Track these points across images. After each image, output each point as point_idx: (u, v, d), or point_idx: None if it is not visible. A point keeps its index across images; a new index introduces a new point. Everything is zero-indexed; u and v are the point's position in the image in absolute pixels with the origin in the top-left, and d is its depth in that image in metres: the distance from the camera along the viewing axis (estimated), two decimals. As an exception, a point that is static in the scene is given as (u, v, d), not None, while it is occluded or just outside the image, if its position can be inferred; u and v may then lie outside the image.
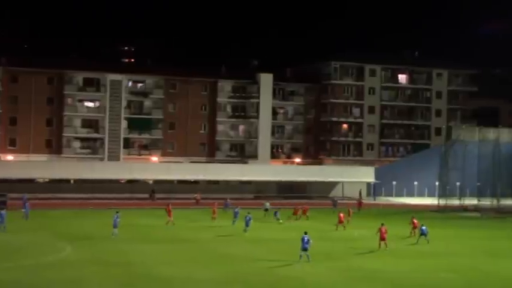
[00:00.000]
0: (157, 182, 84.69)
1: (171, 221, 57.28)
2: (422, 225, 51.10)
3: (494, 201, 76.81)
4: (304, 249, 39.85)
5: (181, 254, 42.99)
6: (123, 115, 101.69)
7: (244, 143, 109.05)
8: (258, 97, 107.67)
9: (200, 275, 36.09)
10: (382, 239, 46.29)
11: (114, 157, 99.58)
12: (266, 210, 63.99)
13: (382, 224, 47.26)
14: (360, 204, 73.42)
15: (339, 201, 73.26)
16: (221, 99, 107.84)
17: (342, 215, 57.92)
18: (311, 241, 40.20)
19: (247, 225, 52.94)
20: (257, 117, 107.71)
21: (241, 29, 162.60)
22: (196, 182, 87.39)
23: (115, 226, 49.31)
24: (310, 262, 39.44)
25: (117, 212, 50.80)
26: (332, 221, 59.03)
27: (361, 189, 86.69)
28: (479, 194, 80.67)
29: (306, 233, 40.81)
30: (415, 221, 52.45)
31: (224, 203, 66.17)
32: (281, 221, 59.91)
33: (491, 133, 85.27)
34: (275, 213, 61.46)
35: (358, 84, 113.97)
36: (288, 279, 35.88)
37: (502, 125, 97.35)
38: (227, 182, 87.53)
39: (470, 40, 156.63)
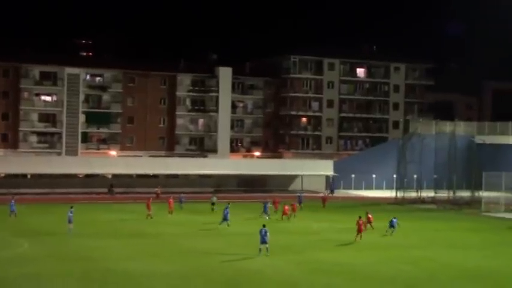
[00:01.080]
0: (116, 177, 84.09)
1: (149, 215, 57.24)
2: (394, 217, 51.94)
3: (450, 193, 77.97)
4: (263, 242, 40.12)
5: (142, 249, 42.84)
6: (81, 109, 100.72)
7: (204, 137, 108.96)
8: (217, 91, 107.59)
9: (161, 270, 36.06)
10: (359, 231, 47.09)
11: (72, 151, 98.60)
12: (213, 204, 63.38)
13: (360, 217, 48.44)
14: (324, 199, 71.75)
15: (304, 195, 72.55)
16: (180, 93, 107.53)
17: (286, 207, 59.00)
18: (268, 234, 40.41)
19: (226, 218, 52.52)
20: (216, 111, 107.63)
21: (200, 23, 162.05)
22: (155, 176, 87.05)
23: (70, 222, 48.79)
24: (269, 255, 39.72)
25: (71, 208, 50.12)
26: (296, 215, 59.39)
27: (331, 181, 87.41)
28: (436, 186, 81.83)
29: (264, 226, 41.14)
30: (370, 215, 53.01)
31: (178, 198, 65.52)
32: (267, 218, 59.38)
33: (447, 126, 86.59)
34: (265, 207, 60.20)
35: (317, 78, 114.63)
36: (248, 272, 36.08)
37: (458, 118, 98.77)
38: (187, 176, 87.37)
39: (426, 35, 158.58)
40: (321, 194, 77.61)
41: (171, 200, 61.86)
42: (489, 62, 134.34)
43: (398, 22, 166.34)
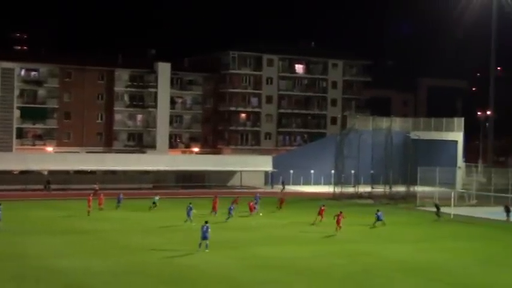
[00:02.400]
0: (52, 173, 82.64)
1: (89, 212, 57.00)
2: (378, 210, 53.76)
3: (387, 188, 79.21)
4: (204, 238, 40.15)
5: (78, 246, 42.28)
6: (15, 104, 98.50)
7: (142, 133, 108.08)
8: (156, 86, 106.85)
9: (98, 267, 35.66)
10: (338, 223, 49.60)
11: (6, 147, 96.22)
12: (154, 203, 62.39)
13: (341, 212, 50.51)
14: (281, 201, 65.42)
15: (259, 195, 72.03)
16: (118, 88, 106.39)
17: (251, 204, 59.47)
18: (210, 230, 40.47)
19: (188, 215, 52.16)
20: (155, 106, 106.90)
21: (138, 18, 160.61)
22: (93, 172, 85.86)
23: None
24: (209, 251, 39.74)
25: None
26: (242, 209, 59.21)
27: (283, 183, 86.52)
28: (373, 181, 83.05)
29: (206, 222, 41.16)
30: (323, 208, 54.54)
31: (117, 197, 63.88)
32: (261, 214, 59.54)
33: (383, 122, 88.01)
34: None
35: (256, 74, 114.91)
36: (186, 268, 36.02)
37: (394, 114, 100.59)
38: (125, 172, 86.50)
39: (363, 32, 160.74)
40: (279, 195, 72.35)
41: (101, 196, 61.30)
42: (424, 60, 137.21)
43: (336, 19, 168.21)
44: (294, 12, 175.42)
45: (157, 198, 63.33)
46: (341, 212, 50.80)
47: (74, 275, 33.68)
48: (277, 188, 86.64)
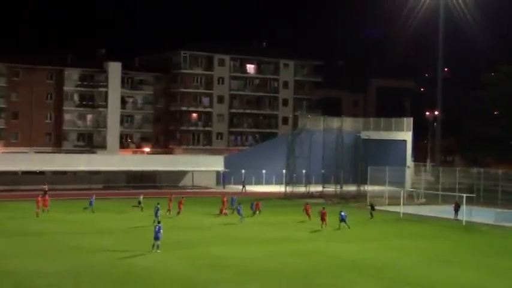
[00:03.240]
0: (0, 174, 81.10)
1: (38, 213, 56.23)
2: (341, 211, 54.27)
3: (338, 188, 79.92)
4: (156, 239, 40.12)
5: (28, 247, 41.65)
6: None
7: (93, 133, 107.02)
8: (107, 86, 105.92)
9: (48, 268, 35.22)
10: (323, 219, 52.20)
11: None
12: (139, 203, 61.67)
13: (324, 208, 53.38)
14: (257, 206, 61.43)
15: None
16: (68, 87, 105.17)
17: (170, 198, 59.55)
18: (162, 230, 40.40)
19: (156, 215, 51.88)
20: (106, 106, 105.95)
21: (87, 17, 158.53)
22: (42, 173, 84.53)
23: None
24: (160, 251, 39.68)
25: None
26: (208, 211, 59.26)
27: (244, 182, 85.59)
28: (324, 181, 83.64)
29: (159, 222, 41.38)
30: (308, 206, 57.07)
31: (90, 199, 61.57)
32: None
33: (334, 122, 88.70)
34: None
35: (207, 73, 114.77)
36: (138, 269, 35.83)
37: (345, 114, 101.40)
38: (74, 173, 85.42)
39: (315, 32, 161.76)
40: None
41: (46, 197, 60.38)
42: (373, 60, 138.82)
43: (287, 19, 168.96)
44: (245, 13, 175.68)
45: (141, 197, 62.62)
46: (324, 208, 53.55)
47: (24, 277, 33.21)
48: (229, 188, 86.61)
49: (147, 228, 50.38)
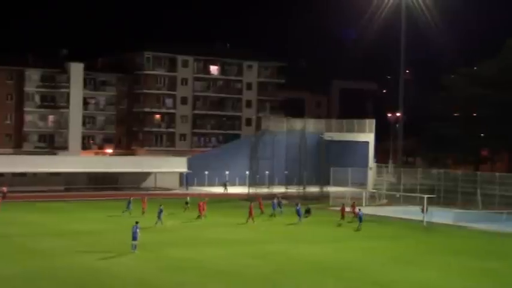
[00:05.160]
0: (-42, 176, 79.72)
1: None
2: (297, 204, 56.92)
3: (301, 189, 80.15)
4: (134, 239, 40.66)
5: (-16, 251, 41.00)
6: None
7: (54, 134, 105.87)
8: (68, 87, 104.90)
9: (6, 272, 34.69)
10: (250, 215, 54.19)
11: None
12: (186, 203, 62.30)
13: (251, 202, 56.02)
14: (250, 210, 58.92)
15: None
16: (28, 88, 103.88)
17: (144, 200, 59.49)
18: (139, 231, 40.85)
19: (159, 217, 52.28)
20: (67, 107, 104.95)
21: (48, 16, 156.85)
22: (1, 174, 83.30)
23: None
24: (137, 251, 40.16)
25: None
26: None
27: (225, 183, 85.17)
28: (287, 182, 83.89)
29: (137, 223, 41.71)
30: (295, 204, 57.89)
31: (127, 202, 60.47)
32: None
33: (297, 123, 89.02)
34: (279, 204, 61.29)
35: (170, 74, 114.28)
36: (97, 271, 35.49)
37: (308, 115, 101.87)
38: (35, 174, 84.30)
39: (279, 33, 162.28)
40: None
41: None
42: (336, 62, 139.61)
43: (250, 20, 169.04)
44: (209, 14, 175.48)
45: (188, 199, 63.47)
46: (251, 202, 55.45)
47: (-20, 281, 32.71)
48: (192, 189, 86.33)
49: (108, 230, 50.10)
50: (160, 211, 53.05)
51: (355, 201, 62.12)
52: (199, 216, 57.38)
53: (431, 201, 61.99)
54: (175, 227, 53.30)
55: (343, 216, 57.87)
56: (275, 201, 62.48)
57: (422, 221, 58.22)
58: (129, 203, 57.37)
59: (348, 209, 59.89)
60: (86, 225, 52.18)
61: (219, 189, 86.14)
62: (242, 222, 55.50)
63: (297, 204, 58.55)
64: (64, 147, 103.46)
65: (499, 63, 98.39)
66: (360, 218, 54.38)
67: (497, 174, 76.36)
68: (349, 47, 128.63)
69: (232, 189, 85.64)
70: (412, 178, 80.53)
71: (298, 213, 56.44)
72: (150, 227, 50.55)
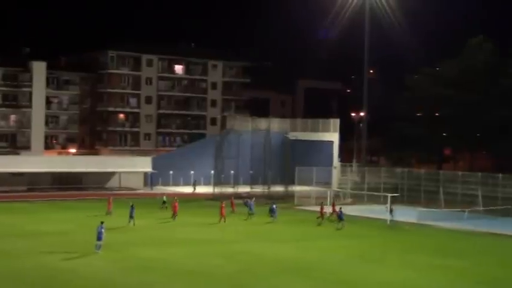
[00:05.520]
0: None
1: None
2: (273, 203, 58.81)
3: (266, 188, 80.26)
4: (98, 239, 40.71)
5: None
6: None
7: (16, 134, 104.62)
8: (31, 86, 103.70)
9: (-33, 273, 34.19)
10: (222, 214, 54.99)
11: None
12: (164, 202, 63.33)
13: (222, 202, 56.84)
14: (232, 205, 63.30)
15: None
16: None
17: (110, 200, 59.18)
18: (103, 231, 40.87)
19: (131, 215, 52.83)
20: (30, 106, 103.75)
21: (10, 14, 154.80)
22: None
23: None
24: (101, 252, 40.12)
25: None
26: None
27: (194, 183, 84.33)
28: (252, 182, 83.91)
29: (102, 223, 41.77)
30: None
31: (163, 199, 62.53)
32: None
33: (262, 123, 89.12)
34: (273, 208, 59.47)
35: (135, 74, 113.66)
36: (62, 272, 35.17)
37: (273, 115, 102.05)
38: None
39: (243, 33, 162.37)
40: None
41: None
42: (301, 61, 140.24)
43: (215, 20, 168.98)
44: (173, 13, 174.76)
45: (165, 198, 64.46)
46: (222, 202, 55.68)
47: None
48: (157, 189, 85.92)
49: (73, 230, 49.67)
50: (132, 209, 53.03)
51: (323, 201, 62.26)
52: (173, 216, 56.99)
53: (395, 200, 62.59)
54: (139, 226, 52.95)
55: (322, 216, 57.74)
56: (251, 201, 62.43)
57: (386, 220, 58.73)
58: (132, 210, 53.96)
59: (325, 209, 59.46)
60: (51, 226, 51.62)
61: (184, 189, 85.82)
62: (212, 222, 55.42)
63: (273, 203, 60.14)
64: (26, 147, 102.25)
65: (460, 63, 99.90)
66: (339, 217, 54.83)
67: (459, 173, 77.39)
68: (314, 47, 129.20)
69: (198, 189, 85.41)
70: (376, 177, 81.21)
71: (272, 211, 58.16)
72: (118, 227, 50.21)
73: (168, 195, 67.28)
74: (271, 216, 57.86)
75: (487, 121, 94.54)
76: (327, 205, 62.24)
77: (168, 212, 59.47)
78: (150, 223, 55.24)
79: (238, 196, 78.02)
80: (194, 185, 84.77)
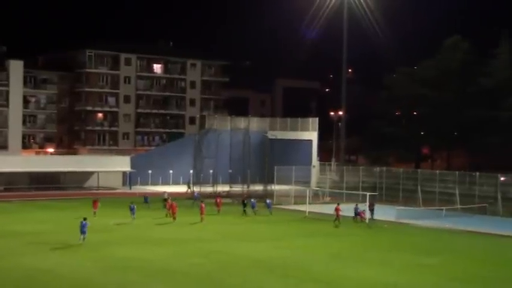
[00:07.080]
0: None
1: None
2: (252, 199, 61.52)
3: (245, 187, 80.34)
4: (82, 233, 42.80)
5: None
6: None
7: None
8: (8, 85, 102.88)
9: None
10: (202, 213, 55.53)
11: None
12: (165, 200, 63.12)
13: (202, 201, 58.18)
14: (219, 204, 64.18)
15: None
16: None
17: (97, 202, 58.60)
18: (87, 226, 43.11)
19: (133, 213, 54.52)
20: (7, 105, 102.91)
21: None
22: None
23: None
24: (83, 242, 42.05)
25: None
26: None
27: (189, 182, 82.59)
28: (231, 181, 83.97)
29: (85, 219, 43.79)
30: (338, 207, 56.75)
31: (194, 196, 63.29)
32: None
33: (241, 122, 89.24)
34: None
35: (113, 73, 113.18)
36: (40, 272, 34.98)
37: (252, 114, 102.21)
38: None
39: (222, 32, 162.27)
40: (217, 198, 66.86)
41: None
42: (280, 61, 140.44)
43: (194, 19, 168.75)
44: (152, 12, 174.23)
45: (166, 195, 65.45)
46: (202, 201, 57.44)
47: None
48: (136, 188, 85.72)
49: (51, 230, 49.41)
50: (133, 207, 54.90)
51: (339, 202, 62.40)
52: (172, 216, 56.26)
53: (373, 199, 62.89)
54: (118, 225, 52.83)
55: (338, 217, 56.27)
56: (254, 201, 63.89)
57: (371, 219, 58.90)
58: (132, 208, 55.42)
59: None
60: (29, 226, 51.29)
61: (163, 188, 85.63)
62: (192, 222, 55.38)
63: (267, 199, 63.81)
64: (4, 147, 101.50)
65: (437, 63, 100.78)
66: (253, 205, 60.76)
67: (437, 171, 78.05)
68: (292, 47, 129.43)
69: (176, 188, 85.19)
70: (354, 176, 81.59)
71: (252, 205, 61.68)
72: (98, 226, 49.96)
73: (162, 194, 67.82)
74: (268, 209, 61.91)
75: (464, 120, 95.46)
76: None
77: (159, 212, 59.51)
78: (126, 222, 55.02)
79: (218, 195, 78.14)
80: (189, 184, 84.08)
